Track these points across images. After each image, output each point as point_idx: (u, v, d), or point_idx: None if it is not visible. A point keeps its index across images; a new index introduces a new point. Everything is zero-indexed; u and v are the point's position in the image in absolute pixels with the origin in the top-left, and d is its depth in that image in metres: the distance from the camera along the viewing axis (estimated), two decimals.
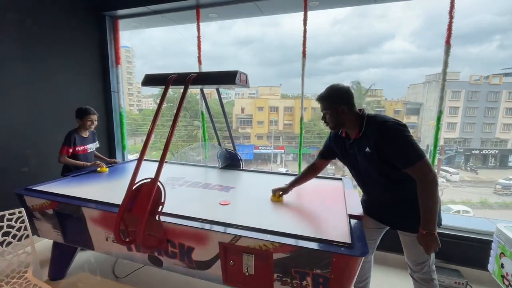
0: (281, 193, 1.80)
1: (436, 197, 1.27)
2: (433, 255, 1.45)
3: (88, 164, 2.45)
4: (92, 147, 2.63)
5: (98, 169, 2.45)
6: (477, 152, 20.33)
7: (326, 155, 1.73)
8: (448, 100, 19.78)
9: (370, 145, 1.34)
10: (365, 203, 1.64)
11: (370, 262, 1.73)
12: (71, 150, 2.40)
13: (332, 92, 1.43)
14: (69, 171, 2.46)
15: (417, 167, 1.25)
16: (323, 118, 1.50)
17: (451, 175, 16.92)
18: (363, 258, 1.61)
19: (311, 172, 1.82)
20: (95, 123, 2.53)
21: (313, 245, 1.24)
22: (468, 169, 19.52)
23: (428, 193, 1.26)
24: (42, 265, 2.15)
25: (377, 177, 1.41)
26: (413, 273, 1.51)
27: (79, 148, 2.47)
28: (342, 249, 1.21)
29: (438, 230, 1.34)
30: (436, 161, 2.38)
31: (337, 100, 1.41)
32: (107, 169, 2.50)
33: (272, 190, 1.84)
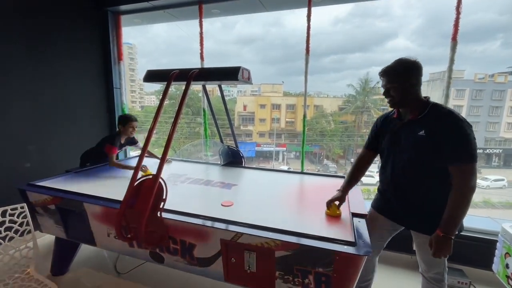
0: (337, 203, 1.54)
1: (468, 204, 1.22)
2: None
3: (134, 166, 2.35)
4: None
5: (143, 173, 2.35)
6: (480, 151, 20.19)
7: (374, 146, 1.57)
8: (452, 99, 19.53)
9: (427, 129, 1.26)
10: (381, 201, 1.55)
11: (375, 263, 1.68)
12: (114, 156, 2.39)
13: (402, 64, 1.32)
14: (90, 157, 2.47)
15: (466, 167, 1.20)
16: (385, 93, 1.38)
17: None
18: (368, 257, 1.61)
19: (361, 167, 1.62)
20: (136, 129, 2.53)
21: (316, 243, 1.22)
22: None
23: (463, 197, 1.21)
24: (45, 260, 2.16)
25: (414, 164, 1.33)
26: (424, 273, 1.48)
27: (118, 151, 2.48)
28: (345, 247, 1.20)
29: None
30: None
31: (407, 73, 1.30)
32: (151, 172, 2.32)
33: (327, 202, 1.55)
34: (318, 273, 1.24)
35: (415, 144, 1.31)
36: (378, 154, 1.57)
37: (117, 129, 2.52)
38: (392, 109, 1.49)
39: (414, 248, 1.51)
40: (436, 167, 1.29)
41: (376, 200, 1.61)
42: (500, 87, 19.80)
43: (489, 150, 20.22)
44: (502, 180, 16.16)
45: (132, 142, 2.65)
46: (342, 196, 1.56)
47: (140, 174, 1.57)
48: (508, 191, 15.65)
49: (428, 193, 1.35)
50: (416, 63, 1.31)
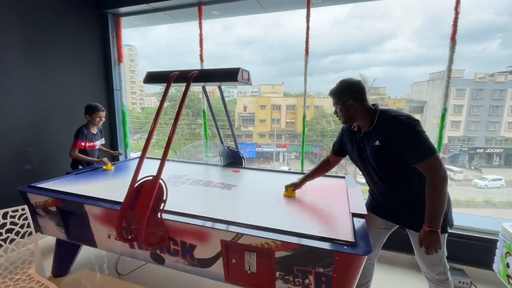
0: (293, 188, 1.81)
1: (444, 195, 1.25)
2: (444, 253, 1.43)
3: (97, 160, 2.49)
4: (99, 143, 2.70)
5: (104, 167, 2.47)
6: (481, 150, 20.14)
7: (337, 151, 1.72)
8: (452, 98, 19.60)
9: (381, 139, 1.33)
10: (372, 201, 1.60)
11: (373, 264, 1.70)
12: (83, 145, 2.47)
13: (342, 87, 1.43)
14: (77, 167, 2.49)
15: (428, 162, 1.23)
16: (335, 112, 1.50)
17: (454, 174, 16.74)
18: (366, 259, 1.61)
19: (324, 167, 1.81)
20: (103, 119, 2.61)
21: (316, 244, 1.23)
22: (472, 167, 19.35)
23: (436, 190, 1.24)
24: (46, 262, 2.17)
25: (384, 171, 1.40)
26: (427, 275, 1.49)
27: (89, 144, 2.56)
28: (345, 247, 1.20)
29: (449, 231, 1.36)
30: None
31: (346, 94, 1.41)
32: (113, 167, 2.50)
33: (285, 186, 1.84)
34: (319, 273, 1.24)
35: (375, 154, 1.38)
36: (345, 157, 1.69)
37: (87, 119, 2.58)
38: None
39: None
40: (403, 168, 1.33)
41: (368, 201, 1.65)
42: (501, 86, 19.76)
43: (490, 150, 20.17)
44: (500, 179, 16.14)
45: (101, 135, 2.73)
46: (299, 183, 1.82)
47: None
48: (506, 190, 15.60)
49: (410, 192, 1.38)
50: (352, 85, 1.42)
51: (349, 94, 1.41)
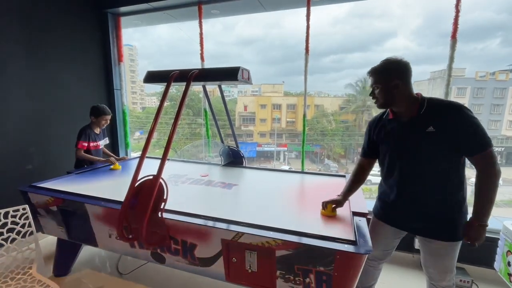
0: (334, 206, 1.52)
1: (496, 190, 1.21)
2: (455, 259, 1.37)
3: (102, 159, 2.48)
4: (102, 143, 2.70)
5: (112, 166, 2.47)
6: None
7: (369, 153, 1.53)
8: (453, 97, 19.45)
9: (435, 124, 1.22)
10: (386, 209, 1.47)
11: (380, 270, 1.64)
12: (85, 145, 2.48)
13: (389, 65, 1.29)
14: (81, 167, 2.48)
15: (488, 154, 1.18)
16: (372, 93, 1.36)
17: None
18: (372, 264, 1.59)
19: (360, 174, 1.57)
20: (108, 122, 2.63)
21: (316, 242, 1.23)
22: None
23: (492, 183, 1.20)
24: (47, 262, 2.18)
25: (430, 162, 1.27)
26: (436, 282, 1.40)
27: (92, 144, 2.56)
28: (346, 246, 1.20)
29: None
30: None
31: (393, 74, 1.27)
32: (120, 166, 2.51)
33: (323, 202, 1.55)
34: (319, 272, 1.24)
35: (424, 141, 1.26)
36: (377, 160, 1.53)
37: (91, 120, 2.58)
38: (382, 110, 1.46)
39: (417, 247, 1.50)
40: (450, 163, 1.26)
41: (378, 209, 1.53)
42: (502, 85, 19.70)
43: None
44: None
45: (104, 134, 2.74)
46: (340, 200, 1.53)
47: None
48: (505, 189, 15.59)
49: (444, 197, 1.29)
50: (400, 63, 1.28)
51: (396, 73, 1.27)
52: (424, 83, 20.91)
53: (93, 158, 2.50)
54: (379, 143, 1.45)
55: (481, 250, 2.08)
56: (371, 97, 1.37)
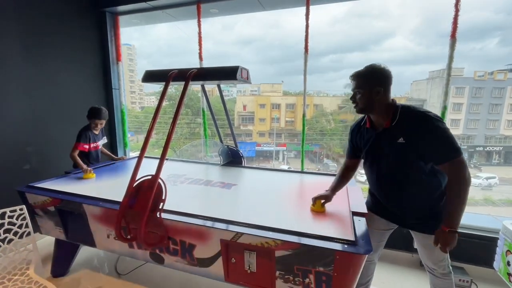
0: (323, 201, 1.59)
1: (466, 196, 1.22)
2: None
3: (84, 167, 2.32)
4: (101, 143, 2.68)
5: (83, 175, 2.23)
6: (481, 149, 20.16)
7: (353, 155, 1.61)
8: (452, 97, 19.60)
9: (405, 136, 1.27)
10: (375, 202, 1.55)
11: (375, 264, 1.68)
12: (86, 147, 2.46)
13: (373, 71, 1.32)
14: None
15: (455, 162, 1.21)
16: (352, 97, 1.38)
17: None
18: (368, 259, 1.59)
19: (345, 174, 1.66)
20: (100, 126, 2.58)
21: (316, 243, 1.22)
22: (472, 165, 19.38)
23: (460, 191, 1.21)
24: (45, 262, 2.16)
25: (403, 171, 1.33)
26: (433, 271, 1.48)
27: (92, 145, 2.54)
28: (346, 246, 1.19)
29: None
30: None
31: (376, 80, 1.30)
32: (94, 175, 2.30)
33: (313, 198, 1.61)
34: (319, 273, 1.24)
35: (396, 152, 1.32)
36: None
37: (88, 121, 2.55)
38: (361, 116, 1.52)
39: (415, 246, 1.51)
40: (422, 170, 1.30)
41: (369, 201, 1.60)
42: (500, 84, 19.76)
43: (489, 148, 20.20)
44: (494, 177, 16.22)
45: (103, 134, 2.70)
46: (329, 195, 1.60)
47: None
48: (502, 188, 15.66)
49: (423, 191, 1.35)
50: (383, 71, 1.31)
51: (379, 81, 1.30)
52: (423, 82, 20.96)
53: (80, 164, 2.37)
54: (359, 148, 1.53)
55: (480, 249, 2.09)
56: (351, 100, 1.40)
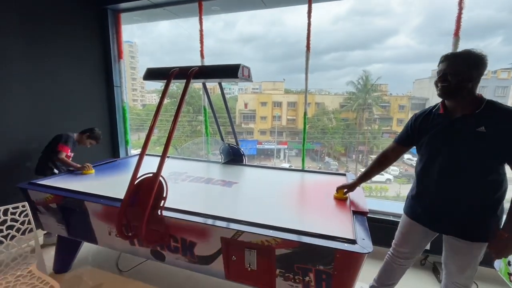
0: (346, 190, 1.68)
1: None
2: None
3: (79, 166, 2.34)
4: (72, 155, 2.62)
5: (84, 171, 2.28)
6: None
7: (405, 141, 1.50)
8: None
9: (487, 125, 1.20)
10: (420, 207, 1.44)
11: (405, 270, 1.61)
12: (68, 153, 2.45)
13: (473, 56, 1.23)
14: (50, 169, 2.44)
15: None
16: (442, 77, 1.27)
17: None
18: (399, 262, 1.58)
19: (386, 161, 1.58)
20: (90, 145, 2.63)
21: (316, 241, 1.22)
22: None
23: None
24: (47, 259, 2.18)
25: (473, 161, 1.25)
26: (452, 279, 1.41)
27: (70, 154, 2.52)
28: (346, 245, 1.19)
29: None
30: None
31: (477, 67, 1.22)
32: (93, 170, 2.34)
33: (337, 187, 1.73)
34: (319, 271, 1.24)
35: (474, 139, 1.23)
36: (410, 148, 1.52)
37: (79, 134, 2.57)
38: (433, 105, 1.42)
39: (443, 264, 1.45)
40: (491, 167, 1.23)
41: (410, 207, 1.50)
42: (503, 83, 19.61)
43: None
44: None
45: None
46: (352, 184, 1.67)
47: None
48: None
49: (479, 198, 1.27)
50: (485, 59, 1.23)
51: (477, 67, 1.22)
52: (425, 81, 20.84)
53: (73, 164, 2.37)
54: (422, 134, 1.41)
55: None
56: (439, 81, 1.29)
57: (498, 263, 1.90)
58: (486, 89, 19.66)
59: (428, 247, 1.84)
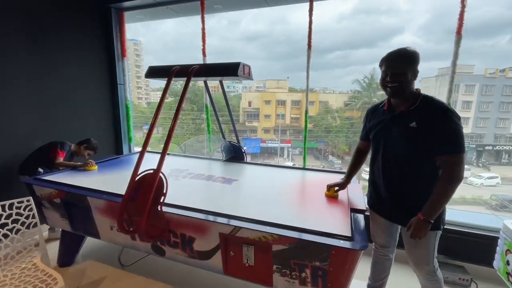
0: (337, 188, 1.75)
1: (452, 194, 1.25)
2: (435, 252, 1.41)
3: (79, 164, 2.39)
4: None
5: (86, 167, 2.32)
6: (490, 148, 19.78)
7: (365, 137, 1.62)
8: (461, 94, 19.22)
9: (418, 121, 1.28)
10: (373, 197, 1.55)
11: (390, 260, 1.64)
12: (61, 159, 2.44)
13: (416, 54, 1.30)
14: (36, 169, 2.42)
15: (455, 157, 1.22)
16: (392, 77, 1.31)
17: None
18: (381, 253, 1.60)
19: (359, 156, 1.72)
20: (88, 156, 2.64)
21: (312, 238, 1.24)
22: (480, 165, 19.05)
23: (450, 187, 1.23)
24: (51, 252, 2.23)
25: (408, 156, 1.34)
26: (416, 271, 1.48)
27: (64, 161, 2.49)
28: (342, 242, 1.21)
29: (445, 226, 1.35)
30: None
31: (416, 64, 1.30)
32: (96, 166, 2.38)
33: (328, 185, 1.77)
34: (315, 267, 1.26)
35: (406, 135, 1.32)
36: None
37: (76, 145, 2.60)
38: (381, 101, 1.52)
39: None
40: (426, 161, 1.30)
41: (370, 197, 1.60)
42: None
43: (499, 147, 19.80)
44: (496, 177, 15.94)
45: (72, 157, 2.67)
46: (343, 183, 1.73)
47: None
48: (501, 188, 15.38)
49: (418, 188, 1.35)
50: (418, 56, 1.31)
51: (416, 64, 1.31)
52: (432, 79, 20.56)
53: (73, 164, 2.42)
54: (371, 129, 1.52)
55: (481, 248, 2.08)
56: (387, 82, 1.32)
57: (497, 263, 1.89)
58: (494, 88, 19.35)
59: None
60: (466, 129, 19.71)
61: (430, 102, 1.30)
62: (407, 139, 1.32)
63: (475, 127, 19.85)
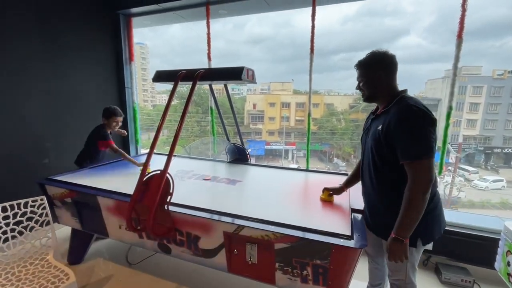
0: (331, 193, 1.70)
1: (421, 204, 1.10)
2: (413, 268, 1.29)
3: (138, 163, 2.46)
4: None
5: (141, 168, 2.04)
6: (498, 150, 19.45)
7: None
8: (468, 96, 18.97)
9: (383, 124, 1.20)
10: (364, 206, 1.49)
11: (382, 270, 1.56)
12: (112, 144, 2.48)
13: (374, 57, 1.27)
14: (85, 160, 2.52)
15: (416, 164, 1.10)
16: (357, 86, 1.34)
17: (469, 174, 16.29)
18: (372, 263, 1.60)
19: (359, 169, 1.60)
20: (120, 124, 2.63)
21: (313, 236, 1.28)
22: (489, 168, 18.73)
23: (412, 197, 1.11)
24: (62, 250, 2.31)
25: (376, 162, 1.27)
26: (389, 277, 1.41)
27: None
28: (341, 240, 1.24)
29: (446, 228, 1.30)
30: (448, 159, 2.33)
31: (378, 66, 1.25)
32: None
33: (324, 188, 1.74)
34: (316, 265, 1.30)
35: (374, 139, 1.27)
36: None
37: (102, 122, 2.57)
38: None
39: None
40: (395, 168, 1.19)
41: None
42: None
43: (508, 150, 19.45)
44: (501, 180, 15.65)
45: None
46: (339, 189, 1.70)
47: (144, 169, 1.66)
48: (507, 191, 15.09)
49: (387, 194, 1.27)
50: (384, 55, 1.25)
51: (380, 66, 1.25)
52: (438, 81, 20.35)
53: (132, 159, 2.48)
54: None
55: (483, 250, 2.08)
56: (357, 89, 1.36)
57: (498, 264, 1.90)
58: (503, 89, 19.05)
59: (430, 247, 1.84)
60: (474, 131, 19.44)
61: (401, 102, 1.19)
62: (375, 144, 1.25)
63: (483, 129, 19.55)
